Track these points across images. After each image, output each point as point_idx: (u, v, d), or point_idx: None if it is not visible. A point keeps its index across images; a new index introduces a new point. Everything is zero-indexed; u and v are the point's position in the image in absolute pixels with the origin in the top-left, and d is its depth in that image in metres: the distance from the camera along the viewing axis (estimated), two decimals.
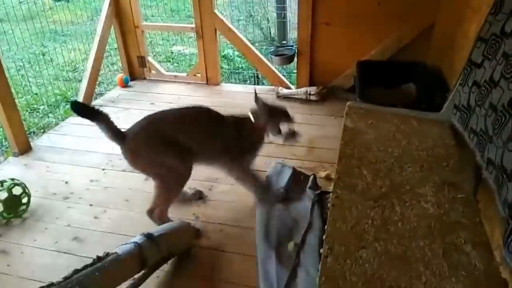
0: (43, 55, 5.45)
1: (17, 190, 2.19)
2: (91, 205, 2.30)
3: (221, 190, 2.38)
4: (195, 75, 3.84)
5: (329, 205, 1.38)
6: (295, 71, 3.67)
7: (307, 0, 3.18)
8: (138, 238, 1.66)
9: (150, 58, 3.92)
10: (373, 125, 1.81)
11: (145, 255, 1.63)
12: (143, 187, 2.42)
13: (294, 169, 2.36)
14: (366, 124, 1.81)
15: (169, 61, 5.39)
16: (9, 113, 2.68)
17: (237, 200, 2.28)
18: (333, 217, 1.28)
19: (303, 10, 3.25)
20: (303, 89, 3.43)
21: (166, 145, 1.87)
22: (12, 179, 2.22)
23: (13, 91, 2.79)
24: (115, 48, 4.55)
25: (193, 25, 3.55)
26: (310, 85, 3.48)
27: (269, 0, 5.57)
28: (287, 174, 2.31)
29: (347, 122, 1.82)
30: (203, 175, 2.49)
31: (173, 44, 5.55)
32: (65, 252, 1.95)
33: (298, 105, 3.39)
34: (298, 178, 2.30)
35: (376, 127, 1.79)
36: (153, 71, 3.93)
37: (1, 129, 2.93)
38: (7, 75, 2.67)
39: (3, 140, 3.30)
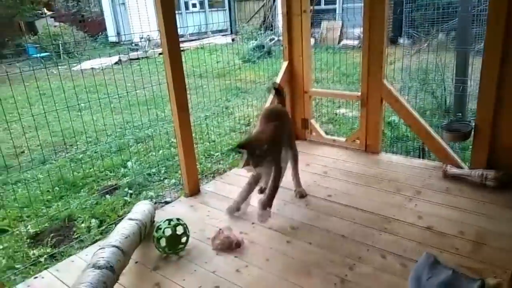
0: (226, 108, 6.32)
1: (179, 230, 2.48)
2: (236, 256, 2.43)
3: (363, 272, 2.21)
4: (354, 141, 3.80)
5: None
6: (470, 147, 3.25)
7: (492, 72, 2.84)
8: None
9: (313, 121, 4.09)
10: None
11: None
12: (285, 249, 2.45)
13: (454, 272, 2.01)
14: None
15: (332, 122, 5.52)
16: (188, 160, 3.13)
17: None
18: None
19: (485, 83, 2.90)
20: (478, 171, 2.98)
21: None
22: (178, 219, 2.53)
23: (195, 136, 3.25)
24: None
25: (359, 93, 3.57)
26: (487, 167, 3.01)
27: (448, 67, 5.21)
28: (442, 276, 1.98)
29: None
30: (346, 251, 2.38)
31: (339, 107, 5.67)
32: None
33: (469, 189, 2.95)
34: (459, 282, 1.95)
35: None
36: (314, 133, 4.07)
37: (180, 172, 3.43)
38: (193, 123, 3.16)
39: (180, 180, 3.88)
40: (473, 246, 2.33)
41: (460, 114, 3.81)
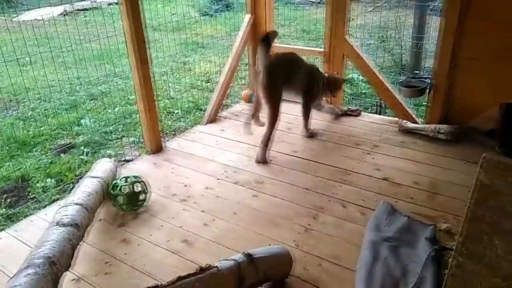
0: (184, 64, 6.10)
1: (137, 187, 2.42)
2: (203, 211, 2.45)
3: (325, 221, 2.31)
4: None
5: (446, 271, 1.22)
6: (425, 103, 3.40)
7: (450, 31, 2.93)
8: (238, 257, 1.71)
9: None
10: None
11: (243, 275, 1.66)
12: (251, 203, 2.50)
13: (409, 218, 2.16)
14: (506, 184, 1.55)
15: None
16: (150, 116, 3.03)
17: (341, 235, 2.19)
18: None
19: (444, 42, 3.00)
20: (432, 126, 3.14)
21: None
22: (135, 176, 2.45)
23: (154, 94, 3.14)
24: (246, 64, 4.83)
25: (322, 50, 3.56)
26: (441, 122, 3.18)
27: (406, 25, 5.31)
28: (399, 222, 2.13)
29: (481, 177, 1.59)
30: (309, 203, 2.47)
31: None
32: (173, 253, 2.10)
33: (423, 142, 3.12)
34: (414, 227, 2.10)
35: None
36: None
37: (141, 128, 3.32)
38: (151, 79, 3.03)
39: (141, 137, 3.77)
40: (427, 195, 2.50)
41: (417, 72, 3.94)
